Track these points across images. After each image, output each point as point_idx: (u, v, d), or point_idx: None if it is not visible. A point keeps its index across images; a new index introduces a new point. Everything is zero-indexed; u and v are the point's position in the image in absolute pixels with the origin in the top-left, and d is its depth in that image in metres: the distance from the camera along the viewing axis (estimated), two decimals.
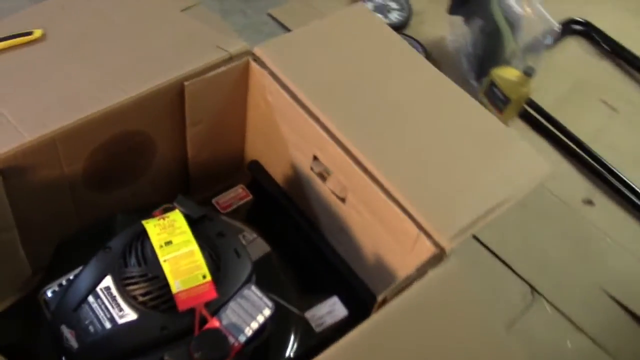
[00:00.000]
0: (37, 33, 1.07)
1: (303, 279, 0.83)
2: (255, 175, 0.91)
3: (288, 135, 0.82)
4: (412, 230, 0.68)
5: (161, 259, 0.64)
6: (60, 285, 0.69)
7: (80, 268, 0.67)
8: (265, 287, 0.78)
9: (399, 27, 1.28)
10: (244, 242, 0.82)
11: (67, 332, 0.64)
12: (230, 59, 0.79)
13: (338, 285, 0.83)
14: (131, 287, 0.64)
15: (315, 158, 0.78)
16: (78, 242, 0.81)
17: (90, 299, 0.64)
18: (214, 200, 0.88)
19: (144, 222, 0.68)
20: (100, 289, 0.64)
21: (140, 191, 0.86)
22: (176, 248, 0.65)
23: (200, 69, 0.77)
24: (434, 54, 1.27)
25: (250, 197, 0.89)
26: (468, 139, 0.75)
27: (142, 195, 0.86)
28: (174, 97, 0.77)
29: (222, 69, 0.78)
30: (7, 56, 0.97)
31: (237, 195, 0.89)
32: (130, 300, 0.63)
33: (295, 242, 0.88)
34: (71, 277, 0.68)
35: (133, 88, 0.74)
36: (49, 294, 0.68)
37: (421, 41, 1.26)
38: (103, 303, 0.64)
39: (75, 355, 0.63)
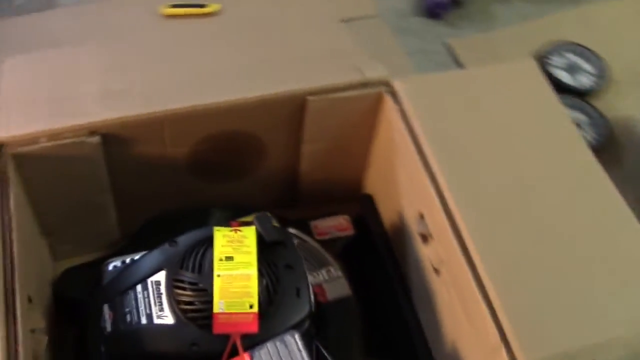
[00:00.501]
0: (212, 7, 1.09)
1: (374, 335, 0.75)
2: (364, 211, 0.85)
3: (402, 182, 0.74)
4: (493, 337, 0.57)
5: (215, 272, 0.60)
6: (124, 262, 0.68)
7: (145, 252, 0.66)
8: (328, 332, 0.72)
9: (585, 93, 1.13)
10: (326, 277, 0.77)
11: (107, 312, 0.63)
12: (365, 84, 0.72)
13: (407, 357, 0.75)
14: (179, 291, 0.61)
15: (421, 216, 0.70)
16: (166, 223, 0.80)
17: (139, 287, 0.62)
18: (312, 223, 0.82)
19: (215, 228, 0.64)
20: (151, 282, 0.62)
21: (246, 190, 0.83)
22: (235, 266, 0.61)
23: (328, 87, 0.71)
24: (619, 133, 1.10)
25: (352, 231, 0.83)
26: (605, 255, 0.62)
27: (247, 195, 0.84)
28: (296, 108, 0.73)
29: (352, 92, 0.72)
30: (175, 24, 1.00)
31: (338, 225, 0.83)
32: (173, 304, 0.60)
33: (380, 294, 0.80)
34: (136, 258, 0.67)
35: (257, 89, 0.71)
36: (110, 267, 0.68)
37: (608, 115, 1.10)
38: (148, 296, 0.61)
39: (106, 338, 0.62)
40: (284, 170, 0.82)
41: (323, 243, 0.80)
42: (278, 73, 0.73)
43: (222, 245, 0.62)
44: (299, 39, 0.80)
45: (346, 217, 0.83)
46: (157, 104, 0.68)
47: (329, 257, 0.79)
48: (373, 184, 0.85)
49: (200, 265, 0.62)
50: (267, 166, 0.81)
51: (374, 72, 0.73)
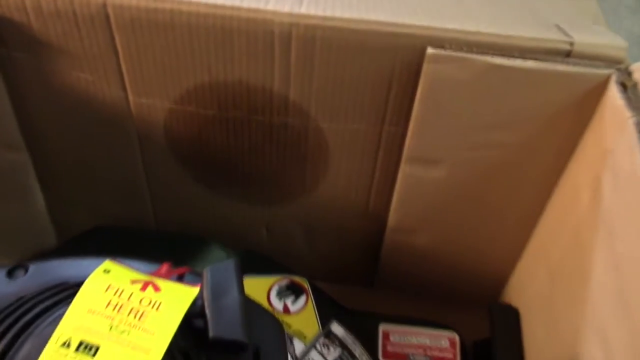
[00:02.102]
0: None
1: None
2: (495, 336, 0.41)
3: (597, 294, 0.31)
4: None
5: None
6: None
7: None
8: None
9: None
10: None
11: None
12: (567, 54, 0.32)
13: None
14: None
15: None
16: (119, 240, 0.45)
17: None
18: (382, 327, 0.42)
19: (106, 263, 0.27)
20: None
21: (279, 227, 0.45)
22: None
23: (473, 37, 0.32)
24: None
25: None
26: None
27: (281, 234, 0.46)
28: (404, 74, 0.34)
29: (529, 63, 0.31)
30: None
31: (434, 348, 0.41)
32: None
33: None
34: None
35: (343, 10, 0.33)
36: None
37: None
38: None
39: None
40: (358, 213, 0.42)
41: None
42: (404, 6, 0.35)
43: (89, 311, 0.24)
44: None
45: (453, 336, 0.42)
46: None
47: None
48: (534, 281, 0.42)
49: (13, 342, 0.24)
50: (324, 194, 0.41)
51: (591, 36, 0.32)
